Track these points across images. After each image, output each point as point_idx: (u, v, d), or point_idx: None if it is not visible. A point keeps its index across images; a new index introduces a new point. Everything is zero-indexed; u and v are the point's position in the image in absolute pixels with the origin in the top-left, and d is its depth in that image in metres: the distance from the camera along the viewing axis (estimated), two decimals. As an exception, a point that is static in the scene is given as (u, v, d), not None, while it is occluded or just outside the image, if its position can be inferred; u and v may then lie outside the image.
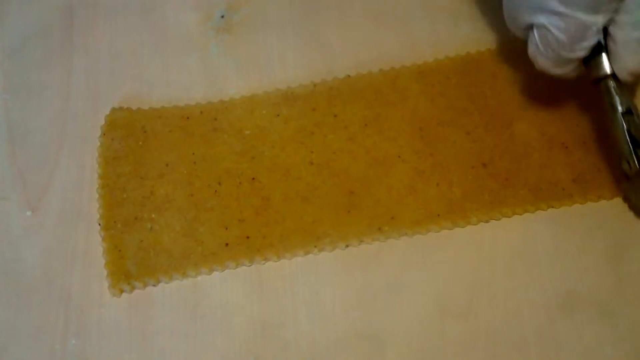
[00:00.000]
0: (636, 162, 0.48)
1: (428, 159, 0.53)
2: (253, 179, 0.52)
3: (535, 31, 0.48)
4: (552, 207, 0.52)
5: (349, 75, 0.57)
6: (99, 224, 0.50)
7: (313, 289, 0.49)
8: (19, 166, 0.53)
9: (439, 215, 0.51)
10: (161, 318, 0.48)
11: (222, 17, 0.61)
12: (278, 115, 0.55)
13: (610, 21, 0.46)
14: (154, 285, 0.49)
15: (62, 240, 0.51)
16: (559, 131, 0.55)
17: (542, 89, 0.55)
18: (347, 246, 0.50)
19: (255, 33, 0.60)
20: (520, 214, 0.52)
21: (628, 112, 0.48)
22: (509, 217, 0.52)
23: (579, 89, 0.55)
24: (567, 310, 0.49)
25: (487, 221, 0.51)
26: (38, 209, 0.52)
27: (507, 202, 0.52)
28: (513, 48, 0.58)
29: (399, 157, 0.53)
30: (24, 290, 0.49)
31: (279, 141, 0.54)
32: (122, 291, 0.48)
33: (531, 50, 0.49)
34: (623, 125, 0.48)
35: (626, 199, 0.52)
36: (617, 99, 0.48)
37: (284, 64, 0.59)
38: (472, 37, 0.59)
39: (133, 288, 0.49)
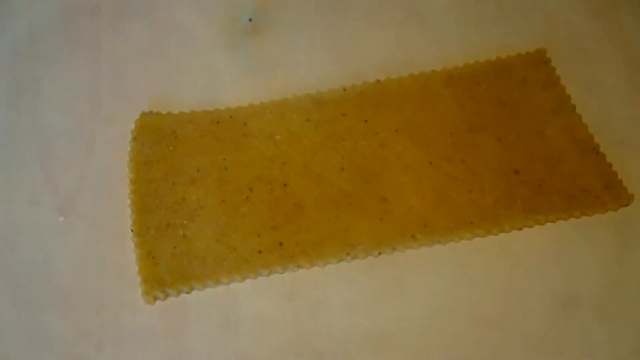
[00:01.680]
0: None
1: (460, 165, 0.53)
2: (285, 184, 0.52)
3: None
4: (586, 214, 0.51)
5: (378, 80, 0.57)
6: (132, 230, 0.50)
7: (346, 296, 0.49)
8: (50, 172, 0.53)
9: (471, 222, 0.51)
10: (195, 326, 0.48)
11: (250, 20, 0.60)
12: (308, 120, 0.55)
13: None
14: (187, 293, 0.49)
15: (94, 247, 0.50)
16: (590, 136, 0.54)
17: (572, 94, 0.55)
18: (379, 254, 0.50)
19: (284, 36, 0.60)
20: (554, 222, 0.51)
21: None
22: (542, 224, 0.51)
23: (608, 94, 0.56)
24: (604, 316, 0.48)
25: (520, 229, 0.51)
26: (70, 214, 0.51)
27: (540, 210, 0.51)
28: (543, 53, 0.57)
29: (431, 163, 0.53)
30: (58, 298, 0.49)
31: (310, 146, 0.53)
32: (155, 298, 0.48)
33: None
34: None
35: None
36: None
37: (313, 67, 0.58)
38: (502, 41, 0.59)
39: (167, 295, 0.48)
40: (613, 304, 0.49)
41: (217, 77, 0.57)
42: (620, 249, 0.51)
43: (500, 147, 0.53)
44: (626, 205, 0.52)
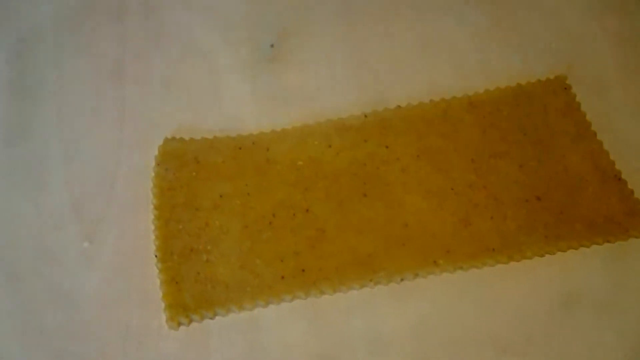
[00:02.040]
0: None
1: (481, 191, 0.53)
2: (307, 210, 0.52)
3: None
4: (608, 241, 0.51)
5: (399, 106, 0.57)
6: (155, 256, 0.50)
7: (370, 323, 0.49)
8: (75, 197, 0.54)
9: (494, 249, 0.51)
10: (219, 352, 0.48)
11: (272, 46, 0.61)
12: (330, 146, 0.55)
13: None
14: (210, 318, 0.49)
15: (119, 272, 0.51)
16: (612, 163, 0.54)
17: (593, 121, 0.55)
18: (402, 280, 0.50)
19: (305, 62, 0.60)
20: (576, 249, 0.51)
21: None
22: (564, 251, 0.51)
23: (629, 120, 0.56)
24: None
25: (542, 255, 0.51)
26: (94, 240, 0.52)
27: (562, 237, 0.51)
28: (563, 79, 0.57)
29: (452, 189, 0.53)
30: (82, 323, 0.49)
31: (332, 172, 0.54)
32: (179, 324, 0.48)
33: None
34: None
35: None
36: None
37: (334, 93, 0.59)
38: (523, 67, 0.59)
39: (190, 321, 0.49)
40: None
41: (240, 103, 0.58)
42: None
43: (522, 173, 0.54)
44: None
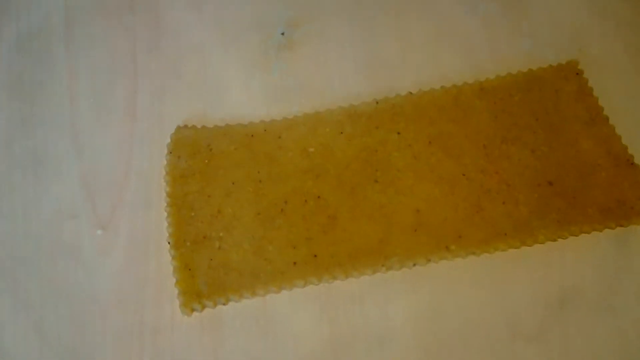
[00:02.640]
0: None
1: (493, 177, 0.53)
2: (319, 197, 0.52)
3: None
4: (621, 225, 0.51)
5: (411, 93, 0.57)
6: (169, 243, 0.50)
7: (382, 308, 0.49)
8: (89, 185, 0.54)
9: (506, 234, 0.51)
10: (232, 338, 0.48)
11: (283, 34, 0.61)
12: (341, 132, 0.55)
13: None
14: (223, 304, 0.49)
15: (133, 260, 0.51)
16: (624, 148, 0.54)
17: (605, 105, 0.55)
18: (414, 265, 0.50)
19: (316, 50, 0.60)
20: (589, 233, 0.51)
21: None
22: (577, 235, 0.51)
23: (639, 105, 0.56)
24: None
25: (554, 240, 0.51)
26: (108, 228, 0.52)
27: (575, 221, 0.51)
28: (575, 64, 0.57)
29: (464, 175, 0.53)
30: (98, 311, 0.49)
31: (344, 159, 0.54)
32: (193, 310, 0.49)
33: None
34: None
35: None
36: None
37: (345, 81, 0.59)
38: (534, 53, 0.59)
39: (204, 307, 0.49)
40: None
41: (251, 91, 0.58)
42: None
43: (534, 158, 0.53)
44: (662, 218, 0.51)
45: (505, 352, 0.48)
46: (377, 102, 0.57)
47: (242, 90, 0.58)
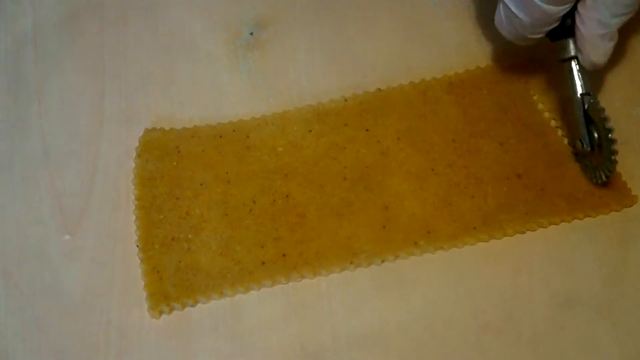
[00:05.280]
0: (588, 141, 0.51)
1: (462, 171, 0.53)
2: (287, 196, 0.52)
3: (501, 6, 0.51)
4: (589, 216, 0.51)
5: (379, 89, 0.57)
6: (137, 246, 0.51)
7: (350, 305, 0.49)
8: (56, 190, 0.54)
9: (474, 228, 0.51)
10: (200, 339, 0.48)
11: (251, 34, 0.61)
12: (310, 131, 0.55)
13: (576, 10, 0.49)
14: (192, 306, 0.49)
15: (100, 264, 0.51)
16: (593, 138, 0.54)
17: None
18: (383, 262, 0.50)
19: (284, 49, 0.60)
20: (557, 224, 0.51)
21: (587, 94, 0.51)
22: (546, 227, 0.51)
23: (610, 95, 0.56)
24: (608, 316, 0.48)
25: (523, 232, 0.51)
26: (76, 232, 0.52)
27: (543, 213, 0.51)
28: (544, 57, 0.57)
29: (433, 170, 0.53)
30: (65, 315, 0.49)
31: (312, 157, 0.54)
32: (161, 313, 0.49)
33: (497, 21, 0.53)
34: (581, 105, 0.51)
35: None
36: (578, 81, 0.51)
37: (314, 79, 0.59)
38: (503, 46, 0.58)
39: (172, 309, 0.49)
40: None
41: (220, 92, 0.58)
42: (622, 248, 0.51)
43: (503, 151, 0.54)
44: (630, 206, 0.51)
45: (474, 345, 0.48)
46: (345, 100, 0.57)
47: (210, 90, 0.58)
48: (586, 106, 0.51)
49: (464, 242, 0.51)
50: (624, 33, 0.57)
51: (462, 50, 0.59)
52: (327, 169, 0.53)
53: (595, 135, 0.51)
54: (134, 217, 0.52)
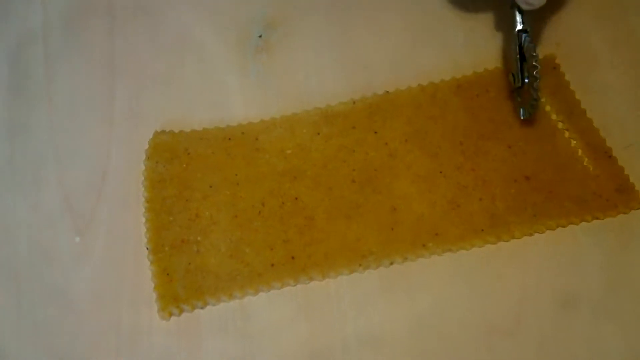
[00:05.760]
0: (520, 76, 0.53)
1: (470, 173, 0.53)
2: (296, 198, 0.52)
3: None
4: (597, 218, 0.51)
5: (387, 91, 0.57)
6: (147, 248, 0.51)
7: (359, 307, 0.49)
8: (66, 192, 0.54)
9: (482, 230, 0.51)
10: (210, 341, 0.49)
11: (260, 36, 0.61)
12: (318, 133, 0.55)
13: None
14: (201, 308, 0.49)
15: (111, 265, 0.51)
16: (602, 140, 0.54)
17: (582, 99, 0.55)
18: (391, 263, 0.50)
19: (293, 51, 0.61)
20: (565, 226, 0.51)
21: (524, 31, 0.53)
22: (554, 229, 0.51)
23: (618, 98, 0.56)
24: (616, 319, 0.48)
25: (531, 235, 0.51)
26: (86, 234, 0.52)
27: (551, 215, 0.51)
28: (552, 59, 0.57)
29: (441, 172, 0.53)
30: (76, 316, 0.50)
31: (321, 160, 0.54)
32: (171, 314, 0.49)
33: None
34: (517, 40, 0.53)
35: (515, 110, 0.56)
36: (517, 17, 0.54)
37: (323, 81, 0.59)
38: (511, 48, 0.58)
39: (182, 311, 0.49)
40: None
41: (229, 95, 0.58)
42: (630, 250, 0.51)
43: (511, 154, 0.54)
44: (638, 209, 0.51)
45: (482, 347, 0.48)
46: (354, 102, 0.57)
47: (219, 93, 0.59)
48: (521, 42, 0.53)
49: (472, 244, 0.51)
50: (633, 35, 0.57)
51: (471, 52, 0.59)
52: (336, 171, 0.53)
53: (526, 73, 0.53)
54: (143, 219, 0.52)
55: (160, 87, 0.59)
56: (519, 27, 0.54)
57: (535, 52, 0.52)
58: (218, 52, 0.61)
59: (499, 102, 0.56)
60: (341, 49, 0.61)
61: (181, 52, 0.61)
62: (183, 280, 0.50)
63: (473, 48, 0.60)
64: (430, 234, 0.51)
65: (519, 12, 0.54)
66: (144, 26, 0.63)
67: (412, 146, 0.54)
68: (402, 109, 0.56)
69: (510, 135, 0.55)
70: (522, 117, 0.54)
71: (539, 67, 0.51)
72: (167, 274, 0.50)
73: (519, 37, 0.53)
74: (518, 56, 0.53)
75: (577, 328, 0.48)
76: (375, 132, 0.55)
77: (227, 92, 0.59)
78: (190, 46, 0.61)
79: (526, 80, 0.53)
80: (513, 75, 0.54)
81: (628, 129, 0.55)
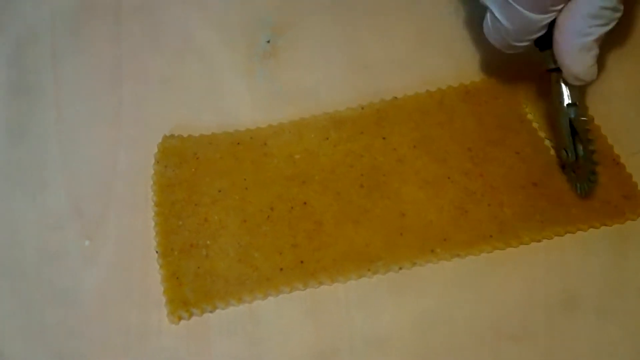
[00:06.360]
0: (574, 151, 0.51)
1: (478, 179, 0.53)
2: (304, 203, 0.53)
3: (488, 14, 0.51)
4: (605, 225, 0.51)
5: (395, 97, 0.58)
6: (156, 252, 0.51)
7: (368, 312, 0.49)
8: (75, 196, 0.54)
9: (490, 236, 0.51)
10: (219, 345, 0.49)
11: (268, 42, 0.61)
12: (327, 138, 0.55)
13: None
14: (210, 312, 0.49)
15: (120, 269, 0.51)
16: (610, 147, 0.54)
17: (590, 106, 0.55)
18: (400, 269, 0.50)
19: (301, 57, 0.61)
20: (573, 233, 0.51)
21: (573, 105, 0.51)
22: (562, 235, 0.51)
23: (626, 104, 0.57)
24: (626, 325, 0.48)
25: (539, 241, 0.51)
26: (95, 238, 0.52)
27: (559, 221, 0.51)
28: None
29: (449, 178, 0.53)
30: (85, 320, 0.50)
31: (329, 165, 0.54)
32: (180, 318, 0.49)
33: (485, 30, 0.52)
34: (567, 115, 0.51)
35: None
36: (564, 91, 0.51)
37: (331, 87, 0.59)
38: (519, 55, 0.58)
39: (191, 315, 0.49)
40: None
41: (237, 99, 0.59)
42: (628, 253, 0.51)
43: (518, 160, 0.54)
44: (647, 217, 0.51)
45: (489, 352, 0.48)
46: (362, 108, 0.57)
47: (228, 98, 0.59)
48: (572, 116, 0.51)
49: (481, 249, 0.51)
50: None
51: (479, 58, 0.59)
52: (344, 176, 0.54)
53: (580, 146, 0.51)
54: (152, 223, 0.52)
55: (167, 91, 0.59)
56: (567, 100, 0.51)
57: (588, 127, 0.50)
58: (226, 57, 0.61)
59: (507, 109, 0.57)
60: (349, 55, 0.61)
61: (189, 57, 0.61)
62: (192, 284, 0.50)
63: (481, 54, 0.60)
64: (439, 240, 0.51)
65: (565, 85, 0.51)
66: (151, 31, 0.63)
67: (420, 152, 0.55)
68: (410, 115, 0.57)
69: (518, 142, 0.55)
70: (578, 193, 0.52)
71: (594, 141, 0.50)
72: (177, 278, 0.50)
73: (569, 111, 0.51)
74: (569, 130, 0.51)
75: (586, 334, 0.48)
76: (384, 138, 0.55)
77: (235, 97, 0.59)
78: (198, 51, 0.62)
79: (579, 154, 0.51)
80: (566, 150, 0.52)
81: (636, 136, 0.55)
